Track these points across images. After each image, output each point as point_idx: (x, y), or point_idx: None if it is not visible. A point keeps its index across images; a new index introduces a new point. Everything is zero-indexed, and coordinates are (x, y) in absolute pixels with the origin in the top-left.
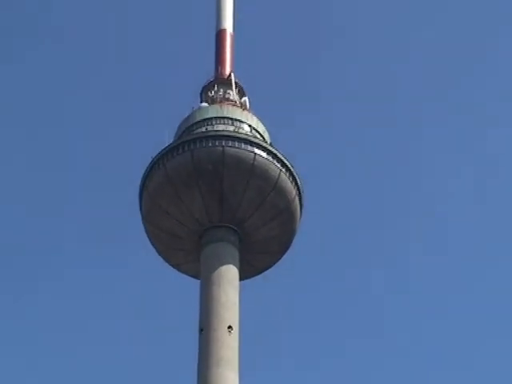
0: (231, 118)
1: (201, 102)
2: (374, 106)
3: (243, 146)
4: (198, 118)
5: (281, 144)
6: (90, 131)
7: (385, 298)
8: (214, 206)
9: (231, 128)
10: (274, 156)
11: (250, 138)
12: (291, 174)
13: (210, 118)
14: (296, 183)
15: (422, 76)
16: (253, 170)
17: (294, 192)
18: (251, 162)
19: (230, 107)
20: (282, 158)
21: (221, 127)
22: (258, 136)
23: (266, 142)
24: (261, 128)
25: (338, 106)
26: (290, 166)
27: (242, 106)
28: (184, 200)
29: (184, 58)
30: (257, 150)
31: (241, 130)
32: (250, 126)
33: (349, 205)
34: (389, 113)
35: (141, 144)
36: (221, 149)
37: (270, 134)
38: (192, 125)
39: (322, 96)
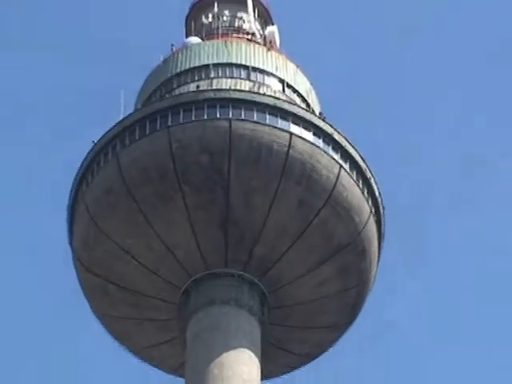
0: (245, 66)
1: (186, 36)
2: None
3: (269, 119)
4: (182, 67)
5: (338, 117)
6: None
7: None
8: (212, 234)
9: (246, 84)
10: (330, 140)
11: (282, 104)
12: (363, 175)
13: (204, 67)
14: (372, 193)
15: None
16: (288, 167)
17: (366, 210)
18: (285, 150)
19: (244, 44)
20: (346, 145)
21: (226, 83)
22: (298, 100)
23: (314, 113)
24: (303, 85)
25: None
26: (362, 160)
27: (267, 43)
28: (155, 223)
29: None
30: (296, 129)
31: (264, 89)
32: (281, 81)
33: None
34: None
35: (74, 120)
36: (226, 125)
37: (319, 96)
38: (169, 79)
39: None
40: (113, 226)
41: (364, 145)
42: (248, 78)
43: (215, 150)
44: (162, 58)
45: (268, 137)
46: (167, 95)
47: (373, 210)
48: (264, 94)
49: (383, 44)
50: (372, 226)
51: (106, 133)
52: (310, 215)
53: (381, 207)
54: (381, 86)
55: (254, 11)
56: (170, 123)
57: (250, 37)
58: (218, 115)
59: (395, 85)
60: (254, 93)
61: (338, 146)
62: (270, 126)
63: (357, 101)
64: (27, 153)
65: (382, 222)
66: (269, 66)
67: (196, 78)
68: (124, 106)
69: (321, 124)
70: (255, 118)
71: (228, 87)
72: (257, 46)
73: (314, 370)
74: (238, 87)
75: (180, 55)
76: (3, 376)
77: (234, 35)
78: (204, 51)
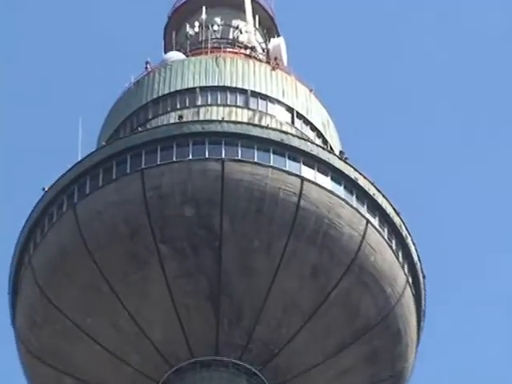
0: (242, 90)
1: (165, 51)
2: None
3: (274, 159)
4: (160, 91)
5: (361, 156)
6: None
7: None
8: (199, 310)
9: (244, 114)
10: (354, 187)
11: (291, 140)
12: (397, 233)
13: (189, 91)
14: (409, 257)
15: None
16: (298, 223)
17: (402, 278)
18: (294, 201)
19: (241, 61)
20: (375, 193)
21: (217, 112)
22: (312, 135)
23: (333, 151)
24: (318, 114)
25: None
26: (395, 213)
27: (272, 60)
28: (124, 296)
29: None
30: (309, 172)
31: (267, 121)
32: (290, 109)
33: None
34: None
35: (19, 161)
36: (217, 167)
37: (337, 129)
38: (143, 107)
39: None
40: (68, 299)
41: (395, 193)
42: (246, 106)
43: (203, 199)
44: (132, 80)
45: (272, 183)
46: (140, 128)
47: (410, 279)
48: (267, 127)
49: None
50: (409, 300)
51: (60, 178)
52: (328, 286)
53: (420, 275)
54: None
55: (254, 18)
56: (143, 165)
57: (248, 52)
58: (206, 155)
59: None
60: (253, 125)
61: (364, 195)
62: (274, 168)
63: (383, 131)
64: None
65: (423, 295)
66: (273, 90)
67: (178, 106)
68: (83, 142)
69: (341, 166)
70: (256, 159)
71: (220, 118)
72: (258, 63)
73: None
74: (234, 118)
75: (157, 76)
76: None
77: (228, 49)
78: (188, 70)
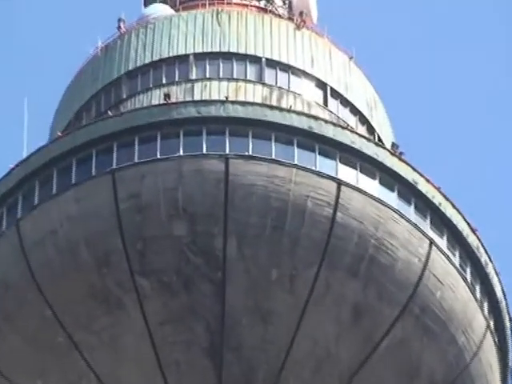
0: (254, 58)
1: (145, 4)
2: None
3: (299, 156)
4: (139, 59)
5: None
6: None
7: None
8: (194, 369)
9: (256, 91)
10: (412, 194)
11: (323, 128)
12: (473, 259)
13: (179, 59)
14: (490, 293)
15: None
16: (333, 245)
17: (480, 323)
18: (328, 213)
19: (252, 16)
20: (443, 203)
21: (219, 89)
22: (353, 121)
23: (383, 145)
24: (361, 92)
25: None
26: (471, 231)
27: (296, 17)
28: (88, 351)
29: None
30: (348, 173)
31: (289, 101)
32: (321, 84)
33: None
34: None
35: None
36: (219, 167)
37: (390, 114)
38: (115, 82)
39: None
40: (10, 353)
41: (468, 202)
42: (260, 81)
43: (199, 213)
44: (99, 44)
45: (297, 189)
46: (111, 112)
47: (491, 324)
48: (289, 110)
49: None
50: (490, 353)
51: None
52: (376, 334)
53: (506, 317)
54: None
55: None
56: (115, 164)
57: (263, 3)
58: (204, 149)
59: None
60: (270, 107)
61: (426, 206)
62: (300, 168)
63: (444, 118)
64: None
65: (510, 345)
66: (298, 58)
67: (164, 81)
68: (29, 133)
69: (395, 164)
70: (273, 155)
71: (223, 97)
72: (276, 20)
73: None
74: (242, 98)
75: (134, 38)
76: None
77: (234, 0)
78: (178, 31)
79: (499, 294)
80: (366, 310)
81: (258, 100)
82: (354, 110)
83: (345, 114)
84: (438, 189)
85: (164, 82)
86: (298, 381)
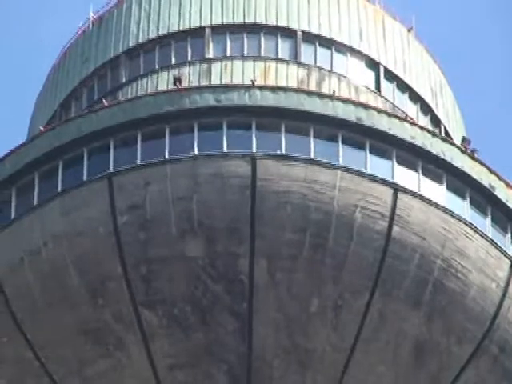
0: (287, 30)
1: None
2: None
3: (345, 155)
4: (140, 35)
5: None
6: None
7: None
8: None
9: (291, 73)
10: (489, 203)
11: (375, 119)
12: None
13: (192, 33)
14: None
15: None
16: (389, 265)
17: None
18: (382, 227)
19: None
20: None
21: (243, 70)
22: (413, 110)
23: (450, 140)
24: (424, 74)
25: None
26: None
27: None
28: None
29: None
30: (408, 177)
31: (333, 85)
32: (373, 64)
33: None
34: None
35: None
36: (244, 170)
37: (459, 101)
38: (111, 63)
39: None
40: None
41: None
42: (295, 60)
43: (220, 228)
44: (91, 16)
45: (343, 197)
46: (106, 101)
47: None
48: (332, 97)
49: None
50: None
51: None
52: (443, 377)
53: None
54: None
55: None
56: (112, 167)
57: None
58: (224, 148)
59: None
60: (308, 93)
61: (506, 217)
62: (346, 170)
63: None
64: None
65: None
66: (344, 31)
67: (173, 61)
68: (2, 128)
69: (467, 166)
70: (312, 154)
71: (249, 81)
72: None
73: None
74: (273, 82)
75: (135, 7)
76: None
77: None
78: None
79: None
80: (431, 349)
81: (293, 84)
82: (415, 97)
83: (403, 102)
84: None
85: (173, 62)
86: None
